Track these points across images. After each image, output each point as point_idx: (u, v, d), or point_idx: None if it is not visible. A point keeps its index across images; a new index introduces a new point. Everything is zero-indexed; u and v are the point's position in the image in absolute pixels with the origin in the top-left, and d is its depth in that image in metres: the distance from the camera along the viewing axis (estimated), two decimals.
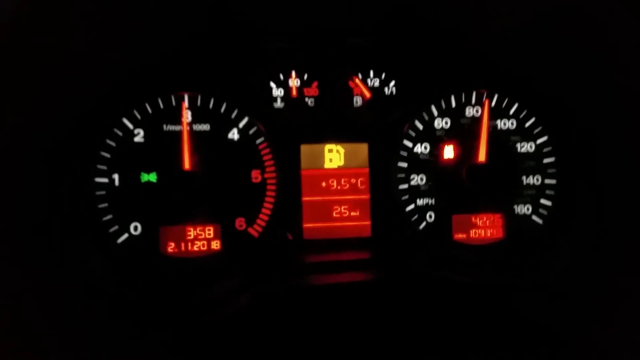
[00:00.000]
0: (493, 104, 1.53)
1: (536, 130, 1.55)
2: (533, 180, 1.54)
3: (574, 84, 1.37)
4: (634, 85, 1.16)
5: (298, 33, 1.44)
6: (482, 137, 1.51)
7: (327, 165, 1.50)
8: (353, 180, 1.51)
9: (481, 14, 1.27)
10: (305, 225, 1.48)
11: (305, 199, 1.49)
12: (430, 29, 1.42)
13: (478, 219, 1.53)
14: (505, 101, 1.54)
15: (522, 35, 1.30)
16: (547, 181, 1.54)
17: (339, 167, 1.51)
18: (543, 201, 1.54)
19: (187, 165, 1.39)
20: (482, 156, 1.50)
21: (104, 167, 1.37)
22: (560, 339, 1.20)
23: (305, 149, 1.49)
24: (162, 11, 1.17)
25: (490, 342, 1.22)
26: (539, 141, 1.55)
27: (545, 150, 1.55)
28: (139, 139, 1.39)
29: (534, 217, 1.54)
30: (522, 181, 1.54)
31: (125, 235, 1.38)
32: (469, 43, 1.47)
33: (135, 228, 1.38)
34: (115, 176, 1.37)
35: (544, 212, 1.54)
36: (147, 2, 1.09)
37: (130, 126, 1.38)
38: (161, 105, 1.40)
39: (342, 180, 1.51)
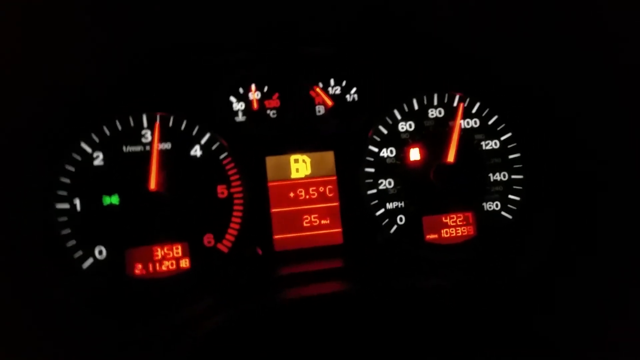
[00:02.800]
0: (455, 103, 1.55)
1: (500, 127, 1.56)
2: (500, 176, 1.55)
3: (538, 78, 1.38)
4: (605, 77, 1.17)
5: (256, 44, 1.44)
6: (453, 139, 1.51)
7: (294, 175, 1.50)
8: (321, 189, 1.51)
9: (444, 14, 1.28)
10: (276, 237, 1.47)
11: (273, 210, 1.47)
12: (393, 33, 1.43)
13: (448, 219, 1.54)
14: (468, 100, 1.56)
15: (482, 31, 1.31)
16: (513, 177, 1.55)
17: (306, 177, 1.50)
18: (511, 196, 1.55)
19: (152, 185, 1.37)
20: (451, 157, 1.50)
21: (64, 193, 1.34)
22: (540, 336, 1.19)
23: (270, 160, 1.48)
24: (115, 32, 1.17)
25: (473, 346, 1.21)
26: (503, 138, 1.56)
27: (510, 146, 1.56)
28: (98, 162, 1.36)
29: (503, 213, 1.55)
30: (489, 178, 1.55)
31: (90, 260, 1.35)
32: (431, 43, 1.49)
33: (100, 252, 1.35)
34: (77, 201, 1.35)
35: (513, 207, 1.55)
36: (98, 25, 1.08)
37: (89, 150, 1.36)
38: (119, 127, 1.38)
39: (310, 189, 1.50)
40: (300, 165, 1.50)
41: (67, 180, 1.34)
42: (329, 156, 1.51)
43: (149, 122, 1.40)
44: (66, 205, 1.34)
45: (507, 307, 1.28)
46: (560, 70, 1.29)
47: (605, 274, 1.20)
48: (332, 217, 1.50)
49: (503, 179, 1.55)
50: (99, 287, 1.35)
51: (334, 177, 1.51)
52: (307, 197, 1.50)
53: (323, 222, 1.50)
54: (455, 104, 1.55)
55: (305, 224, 1.49)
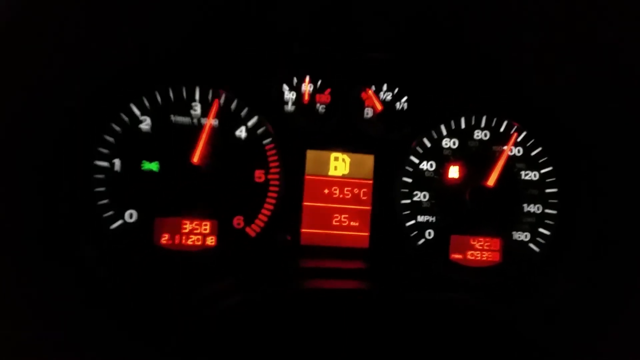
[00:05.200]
0: (502, 129, 1.54)
1: (541, 160, 1.55)
2: (534, 208, 1.54)
3: (590, 119, 1.37)
4: None
5: (317, 40, 1.44)
6: (498, 164, 1.50)
7: (332, 172, 1.49)
8: (356, 190, 1.50)
9: (507, 42, 1.27)
10: (304, 230, 1.47)
11: (306, 203, 1.47)
12: (451, 50, 1.43)
13: (476, 242, 1.53)
14: (514, 128, 1.55)
15: (545, 66, 1.30)
16: (547, 211, 1.54)
17: (343, 176, 1.50)
18: (542, 230, 1.54)
19: (196, 159, 1.36)
20: (492, 181, 1.49)
21: (106, 151, 1.34)
22: None
23: (311, 154, 1.48)
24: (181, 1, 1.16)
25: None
26: (543, 171, 1.55)
27: (548, 180, 1.55)
28: (144, 127, 1.36)
29: (531, 245, 1.54)
30: (522, 208, 1.54)
31: (120, 222, 1.35)
32: (489, 69, 1.48)
33: (131, 216, 1.35)
34: (116, 161, 1.35)
35: (542, 240, 1.54)
36: None
37: (138, 113, 1.36)
38: (171, 96, 1.38)
39: (345, 189, 1.50)
40: (339, 164, 1.50)
41: (111, 140, 1.34)
42: (368, 159, 1.51)
43: (201, 96, 1.40)
44: (105, 164, 1.34)
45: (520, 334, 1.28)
46: (614, 117, 1.28)
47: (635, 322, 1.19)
48: (362, 220, 1.50)
49: (537, 211, 1.54)
50: (123, 250, 1.35)
51: (371, 181, 1.50)
52: (341, 196, 1.49)
53: (352, 223, 1.50)
54: (502, 130, 1.54)
55: (334, 222, 1.49)
